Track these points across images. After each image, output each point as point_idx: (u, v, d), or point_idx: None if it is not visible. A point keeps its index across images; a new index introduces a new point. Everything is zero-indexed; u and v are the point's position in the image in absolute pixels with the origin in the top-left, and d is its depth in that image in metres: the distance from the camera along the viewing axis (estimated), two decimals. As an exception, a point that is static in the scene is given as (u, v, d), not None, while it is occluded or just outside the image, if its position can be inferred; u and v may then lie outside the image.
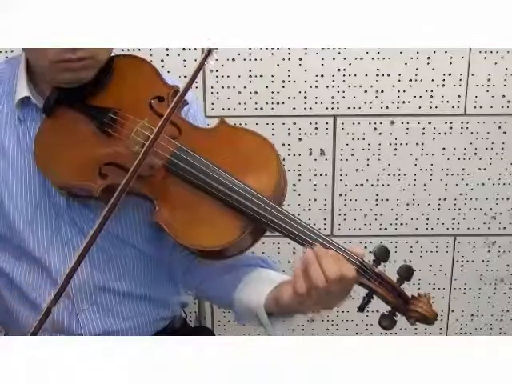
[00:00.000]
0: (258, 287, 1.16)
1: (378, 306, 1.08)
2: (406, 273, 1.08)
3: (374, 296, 1.08)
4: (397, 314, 1.08)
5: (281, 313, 1.14)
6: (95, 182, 1.12)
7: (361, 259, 1.06)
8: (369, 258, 1.08)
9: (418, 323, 1.08)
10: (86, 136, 1.16)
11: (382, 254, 1.07)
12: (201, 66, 1.07)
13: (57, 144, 1.16)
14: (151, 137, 1.06)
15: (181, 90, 1.09)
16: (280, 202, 1.11)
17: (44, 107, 1.16)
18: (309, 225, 1.08)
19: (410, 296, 1.08)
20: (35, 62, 1.15)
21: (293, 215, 1.08)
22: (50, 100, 1.16)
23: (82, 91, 1.16)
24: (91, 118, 1.16)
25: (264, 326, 1.14)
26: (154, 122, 1.10)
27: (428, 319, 1.07)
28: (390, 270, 1.08)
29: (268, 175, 1.11)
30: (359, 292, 1.09)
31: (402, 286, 1.08)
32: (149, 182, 1.11)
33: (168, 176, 1.12)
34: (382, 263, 1.07)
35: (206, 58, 1.06)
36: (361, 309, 1.07)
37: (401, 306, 1.07)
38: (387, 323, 1.07)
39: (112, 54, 1.19)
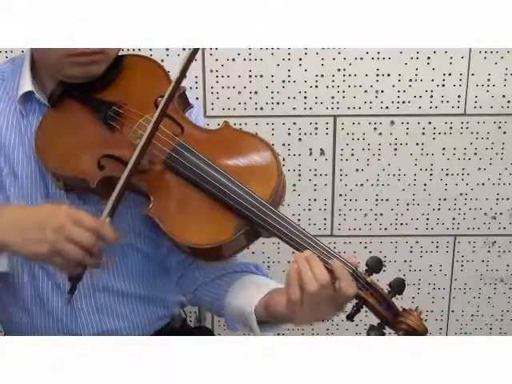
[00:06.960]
0: (250, 293, 1.16)
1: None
2: (398, 286, 1.05)
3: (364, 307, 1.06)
4: (385, 326, 1.06)
5: (271, 321, 1.13)
6: (93, 172, 1.12)
7: (354, 267, 1.04)
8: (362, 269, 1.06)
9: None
10: (87, 127, 1.17)
11: (375, 265, 1.05)
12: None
13: (58, 134, 1.17)
14: (151, 124, 1.08)
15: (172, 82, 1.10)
16: (276, 207, 1.10)
17: (50, 97, 1.17)
18: (304, 230, 1.06)
19: (400, 309, 1.06)
20: (45, 56, 1.15)
21: (290, 220, 1.07)
22: (56, 91, 1.17)
23: (89, 85, 1.17)
24: (95, 110, 1.17)
25: (253, 332, 1.14)
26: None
27: (417, 332, 1.04)
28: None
29: (267, 180, 1.10)
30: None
31: (393, 299, 1.06)
32: (147, 177, 1.12)
33: (166, 172, 1.12)
34: (375, 273, 1.06)
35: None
36: (350, 317, 1.06)
37: (390, 318, 1.05)
38: (375, 335, 1.04)
39: (121, 53, 1.20)
